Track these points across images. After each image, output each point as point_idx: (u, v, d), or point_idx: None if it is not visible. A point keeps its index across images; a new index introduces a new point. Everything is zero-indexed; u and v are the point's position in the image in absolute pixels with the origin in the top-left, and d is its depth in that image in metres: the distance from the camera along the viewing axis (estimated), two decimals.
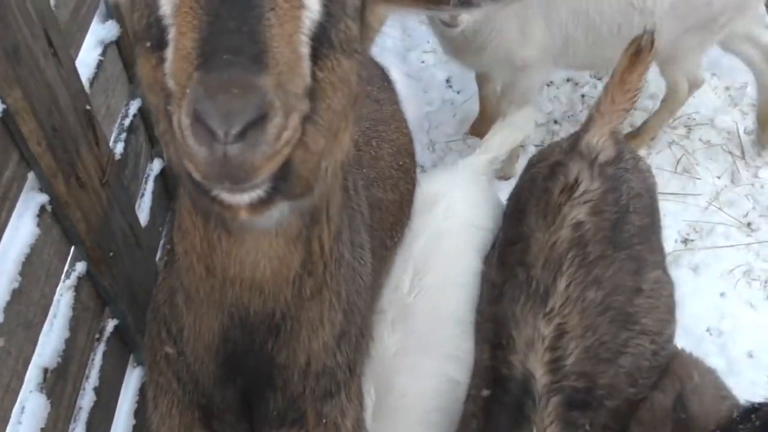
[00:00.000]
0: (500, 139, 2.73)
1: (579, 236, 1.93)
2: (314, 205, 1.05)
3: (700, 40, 3.13)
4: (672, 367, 2.01)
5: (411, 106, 3.84)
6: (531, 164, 2.28)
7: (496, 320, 1.93)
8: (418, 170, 3.54)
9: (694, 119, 3.67)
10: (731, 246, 3.20)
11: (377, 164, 1.93)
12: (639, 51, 2.18)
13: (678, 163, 3.50)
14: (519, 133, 2.89)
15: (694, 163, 3.51)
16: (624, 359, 1.88)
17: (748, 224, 3.29)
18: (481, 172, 2.54)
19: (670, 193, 3.37)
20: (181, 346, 1.34)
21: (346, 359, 1.36)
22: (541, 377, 1.79)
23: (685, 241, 3.24)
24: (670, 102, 3.41)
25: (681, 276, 3.14)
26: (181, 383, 1.39)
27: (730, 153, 3.54)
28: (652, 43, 2.18)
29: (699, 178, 3.46)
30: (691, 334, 2.90)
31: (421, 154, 3.65)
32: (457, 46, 3.01)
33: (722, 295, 3.07)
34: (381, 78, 2.23)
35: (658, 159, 3.49)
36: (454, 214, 2.24)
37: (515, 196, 2.25)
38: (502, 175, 3.38)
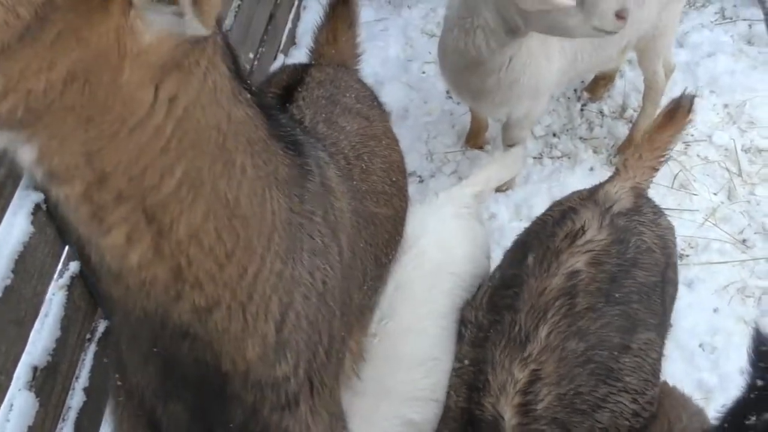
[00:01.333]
0: (490, 175, 2.75)
1: (571, 285, 1.90)
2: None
3: (674, 15, 3.27)
4: (663, 408, 2.00)
5: (411, 117, 3.89)
6: (550, 207, 2.25)
7: (477, 363, 1.92)
8: (416, 179, 3.62)
9: (693, 135, 3.68)
10: (726, 262, 3.20)
11: (369, 178, 1.94)
12: (676, 112, 2.21)
13: (675, 178, 3.50)
14: (510, 171, 2.92)
15: (691, 179, 3.52)
16: (602, 414, 1.86)
17: (743, 241, 3.30)
18: (463, 206, 2.53)
19: (667, 209, 3.35)
20: (122, 355, 1.37)
21: (295, 371, 1.35)
22: (510, 419, 1.78)
23: (680, 257, 3.24)
24: (652, 94, 3.48)
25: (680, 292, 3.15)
26: (129, 395, 1.41)
27: (727, 170, 3.55)
28: (691, 104, 2.24)
29: (696, 194, 3.46)
30: (684, 349, 2.91)
31: (420, 164, 3.68)
32: (484, 89, 2.88)
33: (716, 311, 3.07)
34: (370, 98, 2.26)
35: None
36: (425, 261, 2.24)
37: (523, 237, 2.23)
38: (501, 188, 3.38)
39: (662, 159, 2.22)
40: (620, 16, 2.39)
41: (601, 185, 2.15)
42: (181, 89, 1.00)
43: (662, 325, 2.06)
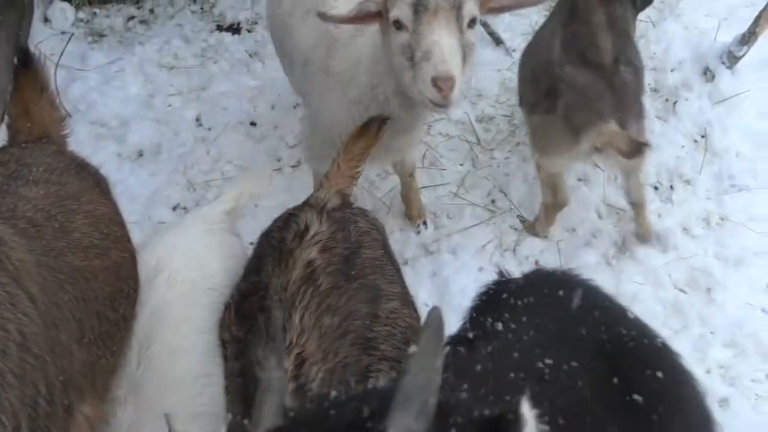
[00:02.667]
0: (240, 192, 2.83)
1: (310, 272, 2.05)
2: None
3: None
4: None
5: (164, 151, 3.82)
6: (273, 222, 2.39)
7: (244, 371, 1.98)
8: (181, 211, 3.57)
9: (432, 115, 3.95)
10: (479, 224, 3.49)
11: (69, 236, 1.94)
12: (369, 127, 2.44)
13: (424, 158, 3.75)
14: (258, 188, 3.02)
15: (438, 156, 3.79)
16: (370, 384, 1.98)
17: (492, 201, 3.61)
18: (214, 222, 2.59)
19: (423, 187, 3.61)
20: None
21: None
22: (289, 404, 1.84)
23: (439, 227, 3.50)
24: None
25: (442, 260, 3.39)
26: None
27: (467, 141, 3.85)
28: (383, 123, 2.44)
29: (444, 169, 3.73)
30: (457, 310, 3.10)
31: (182, 195, 3.64)
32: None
33: (480, 269, 3.33)
34: (66, 166, 2.22)
35: None
36: (178, 281, 2.27)
37: (254, 252, 2.35)
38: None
39: (358, 168, 2.45)
40: (437, 83, 2.11)
41: (311, 195, 2.36)
42: None
43: (405, 296, 2.22)
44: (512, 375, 1.51)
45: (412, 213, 3.52)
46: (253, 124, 3.96)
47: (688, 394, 1.73)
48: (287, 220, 2.22)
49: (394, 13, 2.24)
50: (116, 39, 4.37)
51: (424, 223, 3.52)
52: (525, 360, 1.58)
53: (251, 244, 3.33)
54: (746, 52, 3.83)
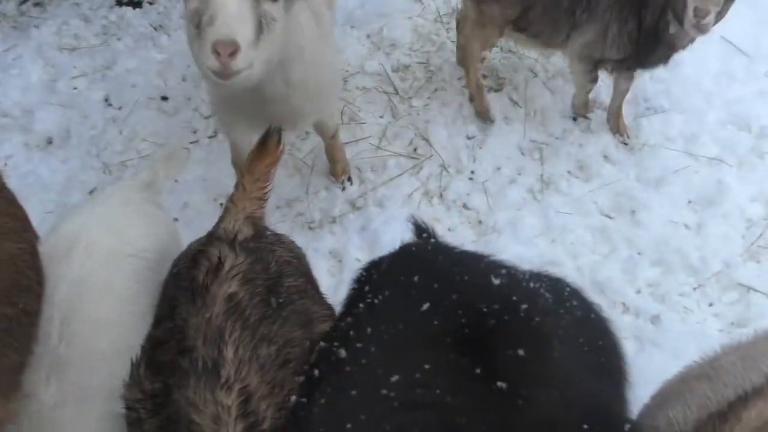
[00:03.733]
0: (157, 168, 2.73)
1: (234, 305, 1.90)
2: None
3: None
4: None
5: (74, 135, 3.68)
6: (173, 265, 2.20)
7: (169, 421, 1.79)
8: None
9: (348, 71, 3.89)
10: (404, 173, 3.47)
11: None
12: (267, 142, 2.26)
13: (343, 114, 3.69)
14: (175, 167, 2.91)
15: (356, 111, 3.73)
16: None
17: (415, 149, 3.58)
18: (133, 192, 2.51)
19: (345, 143, 3.56)
20: None
21: None
22: None
23: (365, 181, 3.46)
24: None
25: (369, 214, 3.37)
26: None
27: (385, 92, 3.81)
28: (280, 134, 2.28)
29: (364, 122, 3.69)
30: None
31: (98, 179, 3.52)
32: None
33: (409, 219, 3.30)
34: None
35: None
36: (96, 251, 2.16)
37: (161, 297, 2.16)
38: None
39: (266, 188, 2.28)
40: (216, 48, 1.98)
41: (216, 225, 2.17)
42: None
43: (334, 315, 2.13)
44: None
45: (336, 171, 3.47)
46: (164, 98, 3.84)
47: (564, 354, 1.64)
48: (195, 258, 2.02)
49: None
50: (9, 25, 4.15)
51: (349, 179, 3.48)
52: (376, 387, 1.49)
53: (175, 219, 3.30)
54: None
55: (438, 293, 1.63)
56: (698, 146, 3.58)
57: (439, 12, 4.14)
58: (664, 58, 3.29)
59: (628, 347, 2.94)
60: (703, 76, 3.86)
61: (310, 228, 3.36)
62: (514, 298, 1.67)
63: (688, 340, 2.92)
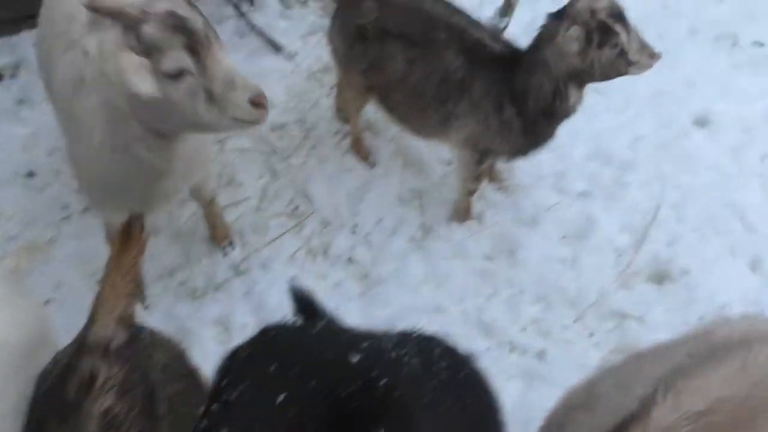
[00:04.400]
0: (19, 255, 2.59)
1: (110, 420, 1.81)
2: None
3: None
4: None
5: None
6: (37, 385, 2.07)
7: None
8: None
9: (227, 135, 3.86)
10: (286, 233, 3.46)
11: None
12: (130, 232, 2.15)
13: (221, 176, 3.65)
14: (34, 258, 2.78)
15: (234, 172, 3.70)
16: None
17: (296, 208, 3.59)
18: None
19: (225, 206, 3.52)
20: None
21: None
22: None
23: (246, 244, 3.43)
24: None
25: (254, 277, 3.33)
26: None
27: (263, 152, 3.80)
28: (142, 222, 2.19)
29: (243, 183, 3.66)
30: None
31: None
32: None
33: (294, 278, 3.29)
34: None
35: None
36: None
37: (26, 424, 2.00)
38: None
39: (135, 282, 2.17)
40: (256, 102, 2.20)
41: (84, 330, 2.02)
42: None
43: None
44: None
45: (217, 236, 3.42)
46: (30, 174, 3.68)
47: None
48: (62, 373, 1.90)
49: (170, 65, 2.10)
50: None
51: (231, 243, 3.43)
52: None
53: (47, 302, 3.15)
54: (508, 23, 4.06)
55: (297, 382, 1.55)
56: (567, 182, 3.76)
57: (311, 69, 4.20)
58: (555, 132, 3.18)
59: (517, 386, 3.05)
60: None
61: (194, 297, 3.28)
62: (374, 373, 1.58)
63: (573, 372, 2.98)
